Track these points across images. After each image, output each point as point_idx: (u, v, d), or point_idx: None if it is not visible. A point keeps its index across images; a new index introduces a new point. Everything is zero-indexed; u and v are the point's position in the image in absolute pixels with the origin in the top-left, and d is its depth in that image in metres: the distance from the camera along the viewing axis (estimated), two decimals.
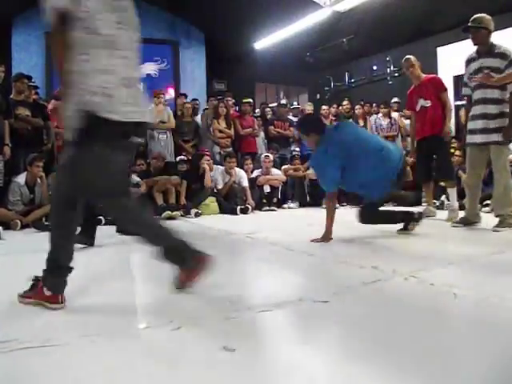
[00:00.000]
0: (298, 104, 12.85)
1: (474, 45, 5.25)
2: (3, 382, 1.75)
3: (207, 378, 1.69)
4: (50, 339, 2.07)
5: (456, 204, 6.36)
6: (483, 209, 7.20)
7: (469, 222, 5.44)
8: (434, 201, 8.12)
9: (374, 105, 10.91)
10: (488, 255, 3.86)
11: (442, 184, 8.00)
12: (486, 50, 5.13)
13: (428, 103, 6.36)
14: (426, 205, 6.83)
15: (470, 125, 5.33)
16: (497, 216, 5.25)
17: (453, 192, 6.47)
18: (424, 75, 6.58)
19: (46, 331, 2.19)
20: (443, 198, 7.94)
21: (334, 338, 2.13)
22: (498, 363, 1.77)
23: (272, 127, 10.58)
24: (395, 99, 11.06)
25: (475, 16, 5.22)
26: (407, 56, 6.65)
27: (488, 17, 5.19)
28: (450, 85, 10.62)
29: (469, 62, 5.35)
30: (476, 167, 5.35)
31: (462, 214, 5.83)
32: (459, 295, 2.59)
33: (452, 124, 9.47)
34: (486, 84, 5.07)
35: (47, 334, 2.13)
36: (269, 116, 11.22)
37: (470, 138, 5.34)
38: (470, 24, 5.20)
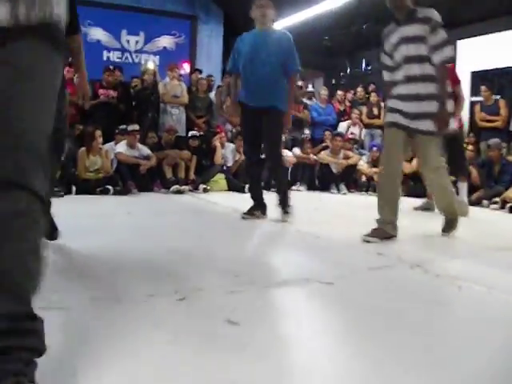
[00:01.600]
0: (313, 87, 12.76)
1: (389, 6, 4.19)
2: None
3: (209, 349, 1.70)
4: (54, 302, 2.07)
5: (466, 198, 6.28)
6: (491, 205, 7.19)
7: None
8: None
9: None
10: (494, 250, 3.86)
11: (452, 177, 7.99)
12: (405, 15, 4.05)
13: None
14: (427, 198, 6.58)
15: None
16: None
17: (463, 187, 6.37)
18: None
19: (51, 294, 2.19)
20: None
21: (336, 318, 2.14)
22: (498, 357, 1.78)
23: None
24: None
25: None
26: None
27: None
28: (467, 80, 10.56)
29: (387, 35, 4.24)
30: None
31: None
32: (464, 288, 2.59)
33: (467, 120, 9.47)
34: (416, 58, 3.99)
35: (52, 297, 2.13)
36: None
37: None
38: None
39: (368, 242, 3.84)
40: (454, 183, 7.44)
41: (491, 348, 1.84)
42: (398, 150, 4.12)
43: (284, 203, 4.95)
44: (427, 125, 3.98)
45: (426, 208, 6.38)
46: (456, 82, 6.20)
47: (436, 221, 5.13)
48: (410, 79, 4.02)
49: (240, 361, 1.61)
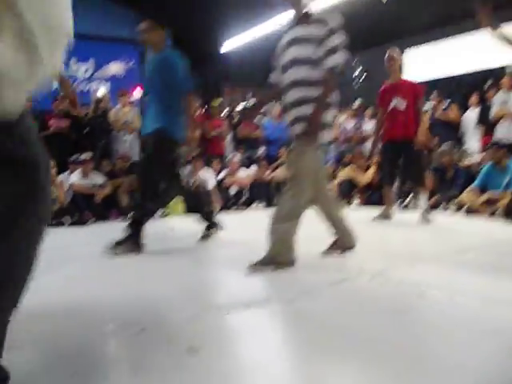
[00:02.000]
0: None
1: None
2: None
3: (170, 380, 1.67)
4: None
5: (427, 206, 6.33)
6: (448, 209, 7.32)
7: None
8: (401, 199, 8.22)
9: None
10: (454, 254, 3.93)
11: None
12: (302, 16, 3.69)
13: (403, 105, 6.20)
14: (384, 207, 6.60)
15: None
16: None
17: (424, 195, 6.40)
18: (401, 76, 6.51)
19: None
20: (410, 197, 8.02)
21: (299, 337, 2.12)
22: (462, 360, 1.77)
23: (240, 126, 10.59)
24: (358, 101, 11.15)
25: None
26: (392, 48, 6.60)
27: None
28: None
29: (284, 34, 3.86)
30: None
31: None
32: (425, 294, 2.61)
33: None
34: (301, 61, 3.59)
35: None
36: (236, 117, 11.20)
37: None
38: None
39: (328, 255, 3.81)
40: (410, 190, 7.59)
41: (454, 351, 1.85)
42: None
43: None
44: (300, 128, 3.55)
45: (385, 216, 6.39)
46: (421, 97, 6.44)
47: (395, 228, 5.19)
48: (295, 83, 3.61)
49: None
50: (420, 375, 1.65)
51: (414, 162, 6.35)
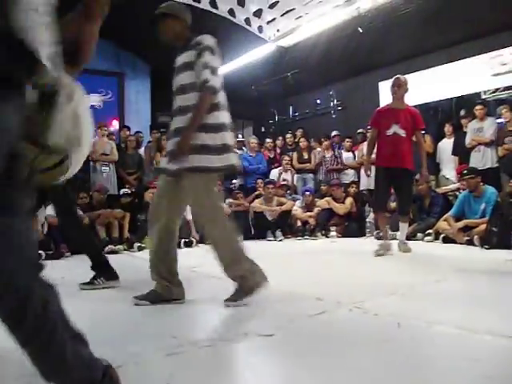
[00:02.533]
0: (243, 137, 12.90)
1: (162, 39, 3.80)
2: None
3: None
4: None
5: (404, 237, 6.30)
6: (425, 238, 7.36)
7: None
8: (377, 231, 8.23)
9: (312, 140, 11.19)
10: (431, 283, 3.94)
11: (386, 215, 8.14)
12: (183, 45, 3.62)
13: (403, 134, 6.06)
14: (383, 240, 6.34)
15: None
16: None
17: (405, 226, 6.37)
18: (406, 104, 6.35)
19: None
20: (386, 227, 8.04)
21: (279, 371, 2.10)
22: None
23: None
24: (334, 132, 11.28)
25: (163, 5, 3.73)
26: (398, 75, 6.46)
27: (179, 5, 3.84)
28: None
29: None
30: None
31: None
32: (403, 324, 2.60)
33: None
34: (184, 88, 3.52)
35: None
36: None
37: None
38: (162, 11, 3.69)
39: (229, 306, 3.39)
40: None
41: (436, 381, 1.86)
42: (165, 200, 3.55)
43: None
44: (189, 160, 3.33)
45: (386, 247, 6.13)
46: (420, 128, 6.34)
47: (370, 259, 5.20)
48: (179, 111, 3.52)
49: None
50: None
51: (405, 192, 6.28)
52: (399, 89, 6.23)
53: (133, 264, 5.53)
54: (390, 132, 6.07)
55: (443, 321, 2.66)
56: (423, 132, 6.69)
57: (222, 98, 3.55)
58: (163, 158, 3.89)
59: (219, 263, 3.64)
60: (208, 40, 3.47)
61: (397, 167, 6.02)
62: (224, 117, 3.54)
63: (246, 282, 3.49)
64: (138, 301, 3.52)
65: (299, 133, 11.84)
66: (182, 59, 3.54)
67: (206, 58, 3.38)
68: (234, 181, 10.51)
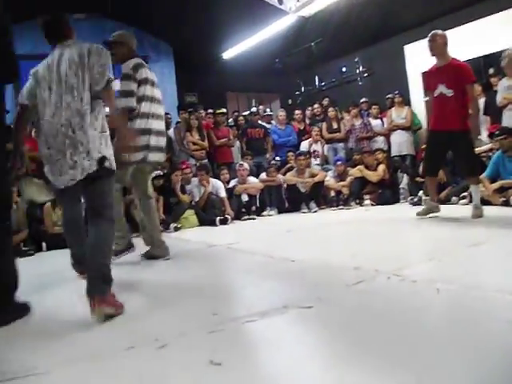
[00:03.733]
0: (271, 110, 12.85)
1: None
2: None
3: None
4: (36, 367, 2.04)
5: (479, 201, 5.86)
6: (460, 201, 7.27)
7: None
8: (412, 196, 8.18)
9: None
10: (469, 247, 3.87)
11: (419, 179, 8.07)
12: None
13: (450, 93, 5.71)
14: (429, 199, 6.25)
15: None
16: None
17: (477, 189, 5.93)
18: (452, 58, 5.87)
19: (31, 359, 2.17)
20: (420, 193, 7.97)
21: (321, 343, 2.11)
22: (482, 356, 1.76)
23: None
24: (363, 99, 11.17)
25: (115, 33, 4.84)
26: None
27: (128, 32, 4.93)
28: (418, 81, 10.77)
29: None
30: None
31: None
32: (442, 290, 2.59)
33: (424, 118, 9.56)
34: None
35: (32, 362, 2.10)
36: (243, 123, 11.26)
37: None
38: (110, 39, 4.77)
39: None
40: (420, 186, 7.53)
41: (474, 348, 1.83)
42: None
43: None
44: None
45: (430, 210, 6.10)
46: (469, 81, 5.79)
47: (406, 225, 5.17)
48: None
49: None
50: (446, 372, 1.64)
51: (463, 153, 5.86)
52: (434, 43, 5.84)
53: (171, 243, 5.60)
54: (436, 93, 5.81)
55: (482, 285, 2.64)
56: None
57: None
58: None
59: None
60: (125, 67, 4.52)
61: (446, 130, 5.71)
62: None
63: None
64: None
65: (326, 102, 11.75)
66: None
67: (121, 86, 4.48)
68: (276, 158, 10.53)
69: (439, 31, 5.87)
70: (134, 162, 4.57)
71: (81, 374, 1.97)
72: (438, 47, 5.80)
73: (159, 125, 4.79)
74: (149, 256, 4.88)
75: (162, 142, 4.83)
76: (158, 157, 4.81)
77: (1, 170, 3.06)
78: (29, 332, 2.69)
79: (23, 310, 2.98)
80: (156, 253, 4.85)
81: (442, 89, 5.73)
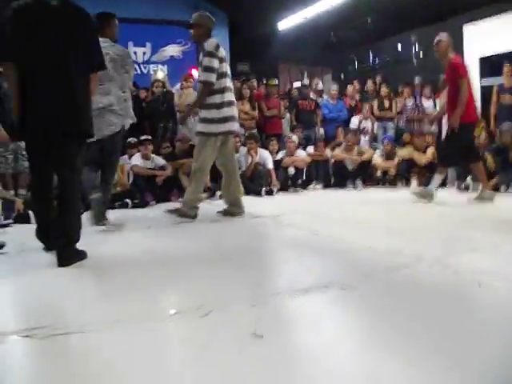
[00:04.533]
0: (323, 84, 12.75)
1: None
2: (38, 368, 1.82)
3: (237, 364, 1.73)
4: (85, 325, 2.13)
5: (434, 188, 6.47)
6: (508, 191, 7.17)
7: None
8: (459, 181, 8.10)
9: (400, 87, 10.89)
10: None
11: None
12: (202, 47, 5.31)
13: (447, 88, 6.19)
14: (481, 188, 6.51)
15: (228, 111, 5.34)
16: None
17: (438, 178, 6.55)
18: (452, 56, 6.30)
19: (81, 317, 2.26)
20: (468, 179, 7.88)
21: (361, 325, 2.15)
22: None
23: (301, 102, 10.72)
24: (417, 80, 10.97)
25: (194, 15, 5.51)
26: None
27: (206, 14, 5.49)
28: (476, 65, 10.52)
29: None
30: None
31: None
32: (483, 284, 2.59)
33: (478, 106, 9.42)
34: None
35: (82, 320, 2.20)
36: (295, 95, 11.24)
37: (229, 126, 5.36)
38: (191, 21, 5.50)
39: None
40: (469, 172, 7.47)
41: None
42: None
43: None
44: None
45: (485, 197, 6.30)
46: (457, 76, 6.18)
47: (454, 211, 5.13)
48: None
49: (268, 374, 1.64)
50: (482, 363, 1.67)
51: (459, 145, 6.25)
52: (437, 46, 6.36)
53: (215, 211, 5.71)
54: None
55: None
56: None
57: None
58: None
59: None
60: (210, 45, 5.15)
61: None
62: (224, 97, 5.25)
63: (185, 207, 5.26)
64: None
65: (378, 79, 11.62)
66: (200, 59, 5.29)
67: (205, 61, 5.13)
68: (321, 130, 10.50)
69: (441, 33, 6.39)
70: (224, 132, 5.32)
71: (128, 335, 2.06)
72: (440, 50, 6.35)
73: (233, 97, 5.48)
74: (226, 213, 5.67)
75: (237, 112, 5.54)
76: (237, 126, 5.64)
77: None
78: (84, 289, 2.82)
79: (83, 255, 3.54)
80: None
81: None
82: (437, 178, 6.45)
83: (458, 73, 6.14)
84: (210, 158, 5.32)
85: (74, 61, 3.48)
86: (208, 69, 5.10)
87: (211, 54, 5.11)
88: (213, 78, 5.11)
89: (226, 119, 5.26)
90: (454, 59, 6.29)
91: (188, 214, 5.22)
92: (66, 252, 3.41)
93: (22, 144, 6.35)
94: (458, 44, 10.73)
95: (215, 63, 5.12)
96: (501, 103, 8.90)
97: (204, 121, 5.23)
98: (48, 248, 3.77)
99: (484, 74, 10.67)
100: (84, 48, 3.57)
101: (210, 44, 5.16)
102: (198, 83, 5.40)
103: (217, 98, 5.20)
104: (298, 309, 2.38)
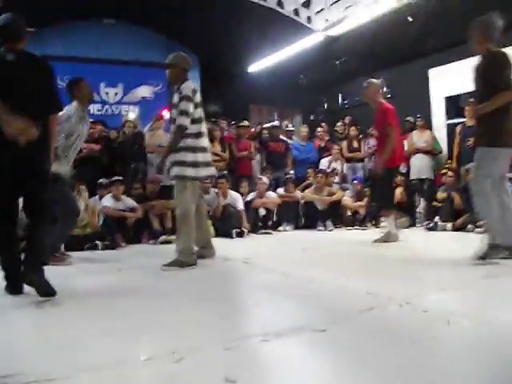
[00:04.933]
0: (293, 125, 12.90)
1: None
2: None
3: None
4: (50, 372, 2.07)
5: (394, 229, 6.64)
6: (476, 229, 7.27)
7: None
8: (428, 221, 8.23)
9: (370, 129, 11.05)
10: (480, 279, 3.89)
11: (436, 204, 8.12)
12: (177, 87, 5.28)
13: (376, 134, 6.62)
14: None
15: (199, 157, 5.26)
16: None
17: (390, 221, 6.73)
18: (382, 101, 6.67)
19: (47, 364, 2.22)
20: (436, 219, 8.00)
21: (333, 367, 2.16)
22: None
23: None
24: None
25: (169, 56, 5.45)
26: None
27: (181, 55, 5.43)
28: (441, 105, 10.80)
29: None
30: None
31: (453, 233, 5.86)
32: (452, 322, 2.63)
33: (444, 144, 9.62)
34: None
35: (51, 367, 2.16)
36: (265, 136, 11.31)
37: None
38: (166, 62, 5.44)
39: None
40: (436, 211, 7.58)
41: (484, 379, 1.90)
42: None
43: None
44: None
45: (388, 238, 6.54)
46: (386, 123, 6.42)
47: (421, 251, 5.20)
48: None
49: None
50: None
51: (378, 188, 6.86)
52: (365, 91, 6.78)
53: None
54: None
55: (492, 320, 2.68)
56: None
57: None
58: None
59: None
60: (186, 89, 5.11)
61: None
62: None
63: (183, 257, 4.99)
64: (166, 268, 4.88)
65: (348, 120, 11.82)
66: (174, 99, 5.23)
67: (182, 106, 5.05)
68: (290, 171, 10.58)
69: (371, 80, 6.77)
70: (202, 177, 5.43)
71: (100, 381, 2.04)
72: (368, 93, 6.71)
73: (208, 143, 5.52)
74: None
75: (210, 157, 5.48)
76: (213, 170, 5.57)
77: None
78: (52, 334, 2.78)
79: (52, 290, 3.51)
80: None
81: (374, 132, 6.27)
82: (388, 222, 6.69)
83: (386, 119, 6.41)
84: (191, 200, 5.24)
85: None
86: (183, 112, 5.06)
87: (188, 98, 5.09)
88: (187, 122, 5.07)
89: (201, 164, 5.20)
90: (384, 104, 6.60)
91: (188, 262, 4.99)
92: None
93: None
94: (424, 85, 11.01)
95: (191, 107, 5.10)
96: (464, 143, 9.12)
97: (179, 164, 5.09)
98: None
99: (450, 113, 10.93)
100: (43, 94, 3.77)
101: (187, 87, 5.14)
102: (172, 125, 5.33)
103: (192, 142, 5.14)
104: (270, 352, 2.37)
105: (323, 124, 12.02)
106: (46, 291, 3.47)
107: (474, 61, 5.02)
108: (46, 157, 3.83)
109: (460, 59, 10.07)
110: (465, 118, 9.32)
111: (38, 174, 3.72)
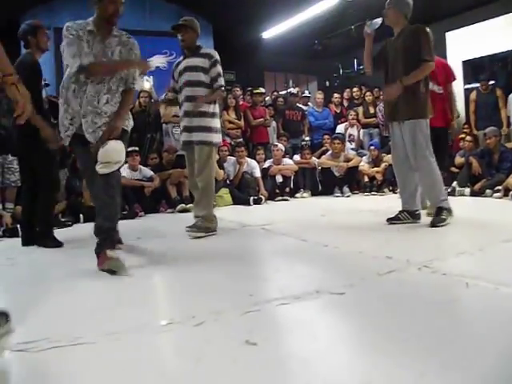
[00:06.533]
0: (309, 92, 12.80)
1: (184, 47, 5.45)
2: (32, 381, 1.82)
3: (231, 372, 1.74)
4: (78, 337, 2.12)
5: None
6: (494, 194, 7.23)
7: None
8: (445, 187, 8.15)
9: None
10: (501, 243, 3.87)
11: (455, 170, 8.05)
12: (192, 51, 5.27)
13: (441, 90, 5.88)
14: None
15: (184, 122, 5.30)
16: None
17: None
18: (436, 57, 5.90)
19: (74, 329, 2.25)
20: (454, 184, 7.94)
21: (351, 330, 2.18)
22: (508, 352, 1.83)
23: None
24: None
25: (185, 17, 5.64)
26: None
27: (196, 21, 5.50)
28: (459, 69, 10.64)
29: (177, 65, 5.46)
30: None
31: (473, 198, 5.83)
32: (471, 285, 2.63)
33: (462, 109, 9.50)
34: (193, 82, 5.16)
35: (75, 332, 2.19)
36: (280, 105, 11.23)
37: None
38: (180, 22, 5.44)
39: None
40: (454, 176, 7.52)
41: (500, 345, 1.88)
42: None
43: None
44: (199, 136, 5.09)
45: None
46: (452, 79, 6.07)
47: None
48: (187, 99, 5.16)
49: (263, 382, 1.66)
50: (467, 367, 1.68)
51: (444, 148, 6.13)
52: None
53: None
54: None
55: (510, 283, 2.68)
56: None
57: None
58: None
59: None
60: (217, 54, 5.23)
61: (437, 127, 5.74)
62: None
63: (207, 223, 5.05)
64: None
65: (364, 86, 11.70)
66: (194, 62, 5.17)
67: (218, 69, 5.16)
68: (306, 138, 10.52)
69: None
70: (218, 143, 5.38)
71: (122, 347, 2.06)
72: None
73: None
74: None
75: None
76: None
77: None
78: (76, 301, 2.82)
79: (59, 242, 4.78)
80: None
81: (432, 87, 5.65)
82: None
83: (453, 75, 6.11)
84: (214, 169, 5.35)
85: None
86: (221, 74, 5.18)
87: (220, 63, 5.20)
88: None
89: (219, 130, 5.29)
90: (444, 61, 6.18)
91: (211, 228, 5.08)
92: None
93: (9, 157, 6.34)
94: (441, 48, 10.85)
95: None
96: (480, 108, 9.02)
97: (206, 129, 5.10)
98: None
99: (467, 77, 10.79)
100: None
101: (216, 53, 5.25)
102: (186, 87, 5.18)
103: (215, 109, 5.22)
104: (289, 316, 2.39)
105: (347, 90, 11.84)
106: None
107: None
108: None
109: (476, 22, 9.96)
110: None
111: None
